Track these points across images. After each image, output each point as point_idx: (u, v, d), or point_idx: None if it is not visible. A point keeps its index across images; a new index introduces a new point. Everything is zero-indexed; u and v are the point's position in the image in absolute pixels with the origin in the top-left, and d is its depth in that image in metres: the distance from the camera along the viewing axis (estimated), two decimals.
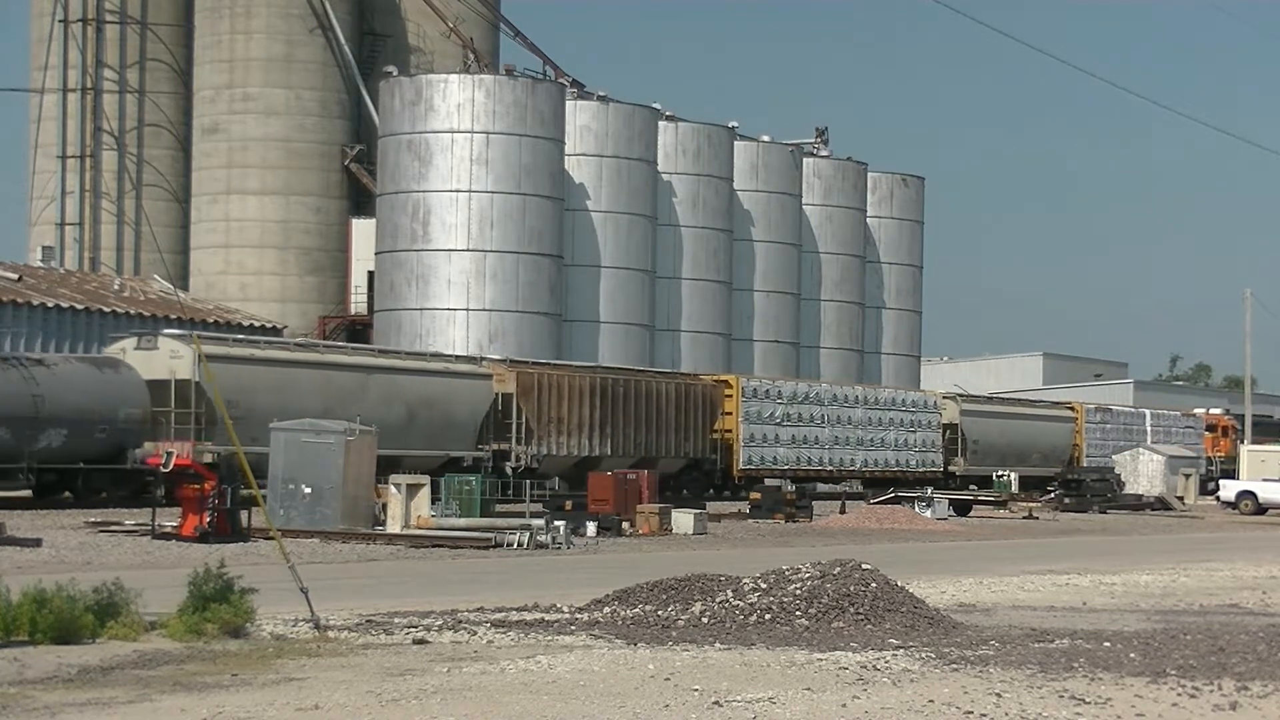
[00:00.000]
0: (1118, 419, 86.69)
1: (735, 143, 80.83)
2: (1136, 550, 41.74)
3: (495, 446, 54.60)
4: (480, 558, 33.44)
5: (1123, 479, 74.71)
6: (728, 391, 63.85)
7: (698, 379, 64.64)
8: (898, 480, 68.84)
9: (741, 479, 63.08)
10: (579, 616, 20.12)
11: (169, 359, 46.46)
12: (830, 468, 68.41)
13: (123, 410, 44.36)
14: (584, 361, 65.27)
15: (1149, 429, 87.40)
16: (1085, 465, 78.77)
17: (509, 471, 53.97)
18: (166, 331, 50.31)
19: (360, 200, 76.97)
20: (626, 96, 76.57)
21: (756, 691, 14.48)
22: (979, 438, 76.57)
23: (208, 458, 41.98)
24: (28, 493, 44.81)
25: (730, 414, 63.42)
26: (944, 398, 76.45)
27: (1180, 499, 75.53)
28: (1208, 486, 79.43)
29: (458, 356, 58.52)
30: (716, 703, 13.91)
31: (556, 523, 37.28)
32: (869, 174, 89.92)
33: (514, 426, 55.06)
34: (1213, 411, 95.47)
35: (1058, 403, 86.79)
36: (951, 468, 74.69)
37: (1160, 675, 15.74)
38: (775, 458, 65.42)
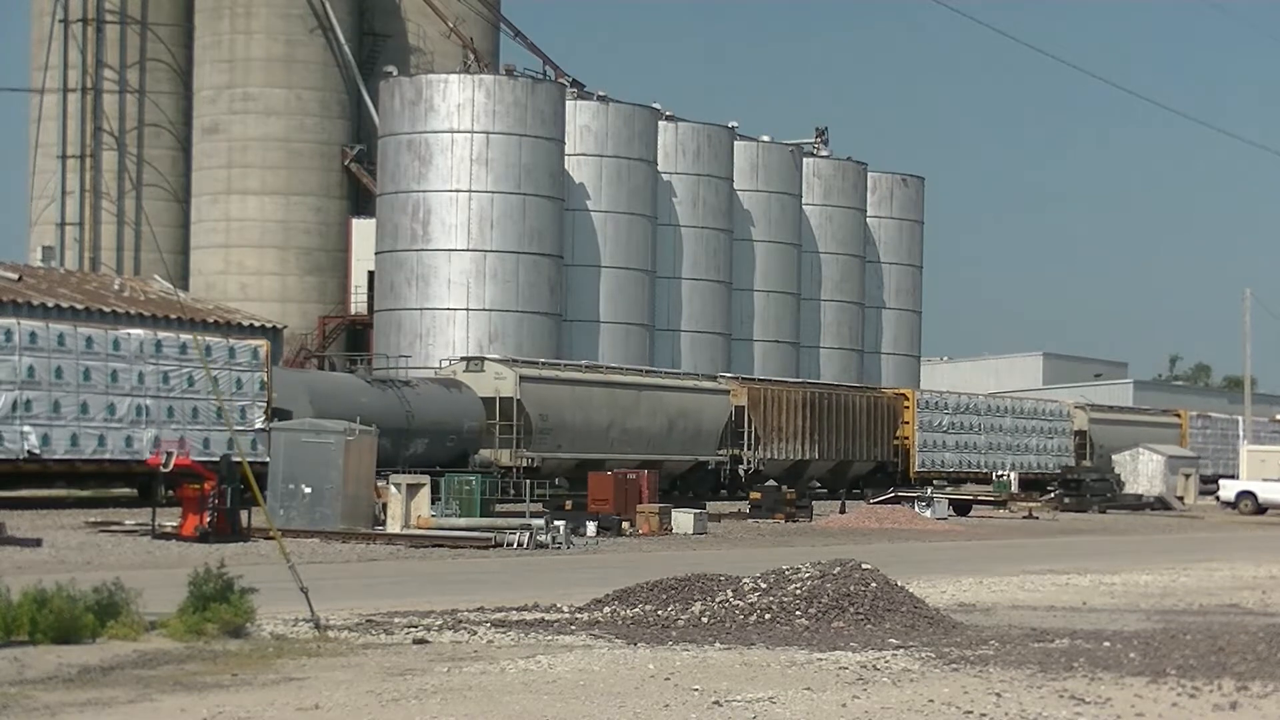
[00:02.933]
0: (1216, 425, 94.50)
1: (735, 143, 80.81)
2: (1136, 550, 41.73)
3: (731, 451, 63.60)
4: (480, 558, 33.46)
5: (1122, 479, 74.75)
6: (905, 403, 73.22)
7: (882, 392, 74.13)
8: (1038, 481, 75.41)
9: (916, 479, 70.90)
10: (579, 616, 20.12)
11: (494, 379, 55.41)
12: (985, 470, 75.38)
13: (466, 423, 52.85)
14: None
15: (1241, 433, 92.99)
16: None
17: (741, 473, 63.39)
18: (490, 357, 58.98)
19: (360, 200, 76.94)
20: (626, 96, 76.68)
21: (756, 691, 14.48)
22: (1104, 442, 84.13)
23: (524, 462, 53.80)
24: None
25: (908, 423, 72.77)
26: (1075, 408, 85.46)
27: (1180, 499, 75.51)
28: None
29: (701, 374, 67.92)
30: (716, 703, 13.91)
31: (556, 523, 37.28)
32: (869, 174, 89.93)
33: (745, 435, 64.20)
34: None
35: (1165, 410, 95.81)
36: None
37: (1160, 675, 15.74)
38: (942, 461, 74.55)
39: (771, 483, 53.80)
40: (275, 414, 47.07)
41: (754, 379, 69.35)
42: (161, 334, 46.55)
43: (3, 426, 41.99)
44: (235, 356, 47.02)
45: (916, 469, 72.32)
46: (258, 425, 46.85)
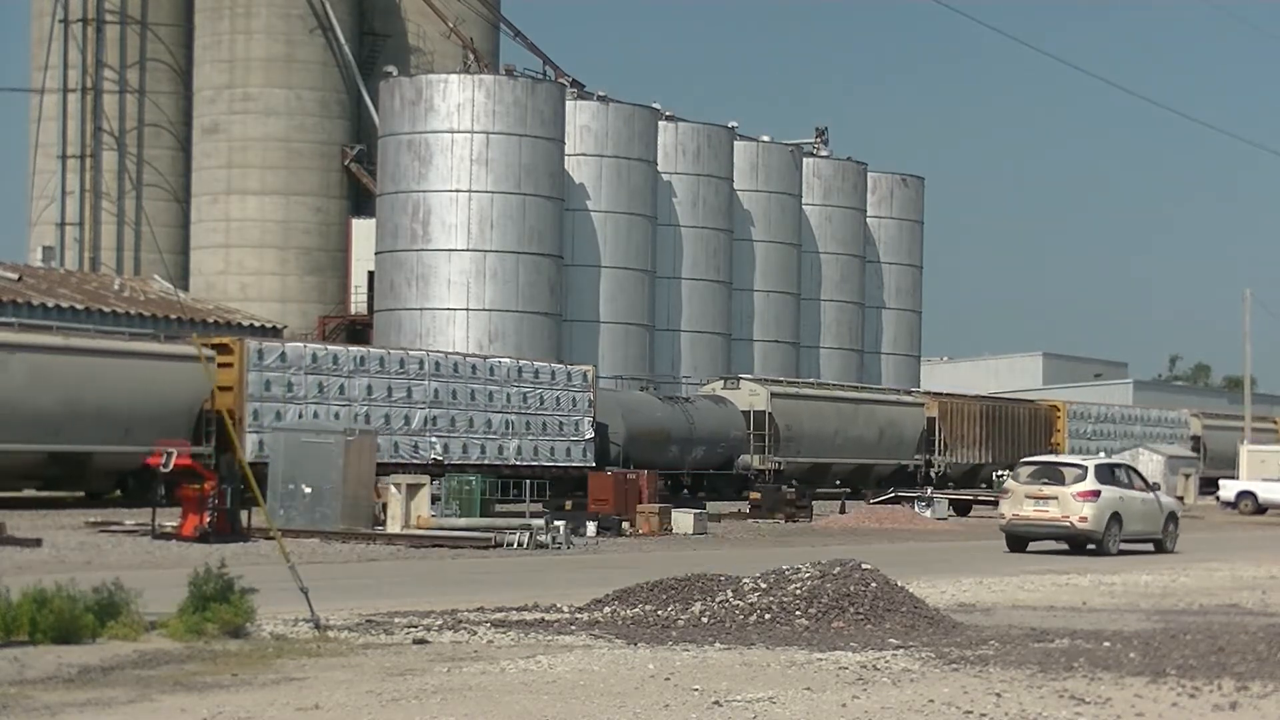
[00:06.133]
0: None
1: (735, 143, 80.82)
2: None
3: (925, 456, 72.59)
4: (480, 558, 33.45)
5: None
6: (1058, 414, 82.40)
7: (1037, 405, 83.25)
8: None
9: None
10: (579, 616, 20.11)
11: (749, 395, 64.51)
12: None
13: (732, 432, 62.14)
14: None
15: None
16: None
17: (933, 476, 71.43)
18: (745, 377, 68.11)
19: (360, 200, 76.96)
20: (626, 96, 76.69)
21: (756, 691, 14.48)
22: (1213, 444, 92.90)
23: (773, 465, 63.43)
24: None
25: (1059, 430, 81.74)
26: (1191, 415, 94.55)
27: (1180, 499, 75.44)
28: None
29: (899, 389, 78.54)
30: (716, 703, 13.90)
31: (556, 523, 37.26)
32: (869, 174, 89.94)
33: (935, 442, 73.16)
34: None
35: (1263, 417, 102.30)
36: None
37: (1160, 675, 15.73)
38: None
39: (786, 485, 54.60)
40: (597, 427, 56.55)
41: (942, 394, 78.35)
42: (521, 361, 57.19)
43: (417, 438, 51.29)
44: (571, 379, 56.96)
45: None
46: (587, 436, 56.50)
